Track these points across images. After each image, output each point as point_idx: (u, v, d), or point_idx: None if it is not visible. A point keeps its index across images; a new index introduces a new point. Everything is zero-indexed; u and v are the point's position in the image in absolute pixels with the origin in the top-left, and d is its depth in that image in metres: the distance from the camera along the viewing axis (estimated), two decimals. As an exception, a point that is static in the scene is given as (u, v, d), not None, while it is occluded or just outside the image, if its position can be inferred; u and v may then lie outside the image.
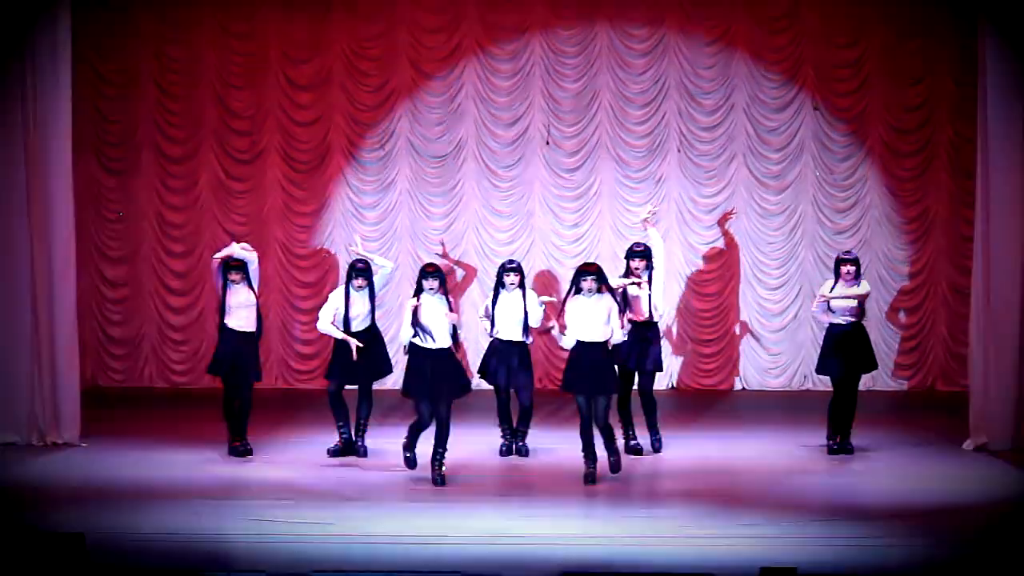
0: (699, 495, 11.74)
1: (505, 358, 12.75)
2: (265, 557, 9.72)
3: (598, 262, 12.78)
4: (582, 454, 11.92)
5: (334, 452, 12.76)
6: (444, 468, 11.82)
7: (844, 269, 12.75)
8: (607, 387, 11.84)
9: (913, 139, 16.25)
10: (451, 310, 11.82)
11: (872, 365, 13.04)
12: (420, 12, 16.37)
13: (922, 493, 11.60)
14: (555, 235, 16.49)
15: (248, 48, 16.42)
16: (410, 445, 11.88)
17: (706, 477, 12.27)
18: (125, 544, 9.92)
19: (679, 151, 16.36)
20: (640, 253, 12.85)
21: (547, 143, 16.40)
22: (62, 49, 13.14)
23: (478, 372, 13.22)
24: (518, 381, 12.78)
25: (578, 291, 11.80)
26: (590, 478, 11.85)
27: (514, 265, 12.80)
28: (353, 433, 12.86)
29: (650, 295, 12.81)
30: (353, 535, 10.34)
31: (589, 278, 11.77)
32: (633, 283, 12.74)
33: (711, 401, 15.68)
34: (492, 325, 12.74)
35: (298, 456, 12.86)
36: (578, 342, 11.78)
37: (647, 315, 12.85)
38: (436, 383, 11.77)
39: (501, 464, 12.74)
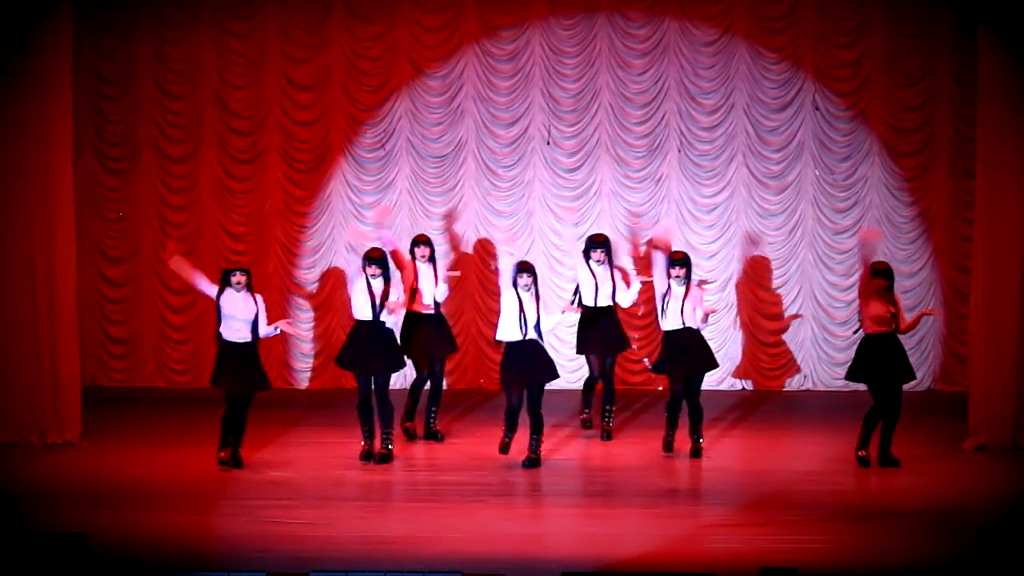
0: (699, 495, 11.75)
1: (522, 360, 12.35)
2: (265, 557, 9.72)
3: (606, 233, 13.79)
4: (583, 409, 13.68)
5: (366, 457, 12.55)
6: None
7: (880, 282, 12.33)
8: (617, 346, 13.37)
9: (913, 139, 16.26)
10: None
11: (911, 375, 12.55)
12: (420, 12, 16.38)
13: (923, 493, 11.61)
14: (555, 235, 16.49)
15: (248, 48, 16.42)
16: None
17: (705, 477, 12.28)
18: (125, 544, 9.92)
19: (679, 151, 16.37)
20: (680, 261, 12.68)
21: (547, 143, 16.41)
22: (62, 49, 13.14)
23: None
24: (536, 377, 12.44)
25: (588, 260, 13.21)
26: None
27: (528, 267, 12.37)
28: (379, 441, 12.56)
29: (683, 301, 12.61)
30: (353, 535, 10.35)
31: (599, 250, 13.19)
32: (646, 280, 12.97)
33: (711, 401, 15.65)
34: (523, 328, 12.30)
35: (298, 456, 12.86)
36: (585, 307, 13.21)
37: (683, 322, 12.68)
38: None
39: (501, 464, 12.72)
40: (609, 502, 11.53)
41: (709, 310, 13.03)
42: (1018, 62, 12.92)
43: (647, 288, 13.73)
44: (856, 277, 16.20)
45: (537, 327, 12.27)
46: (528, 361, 12.27)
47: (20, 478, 12.06)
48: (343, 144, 16.46)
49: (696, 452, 12.75)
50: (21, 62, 13.06)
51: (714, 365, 12.99)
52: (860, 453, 12.43)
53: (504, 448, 12.58)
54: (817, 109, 16.22)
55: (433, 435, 13.43)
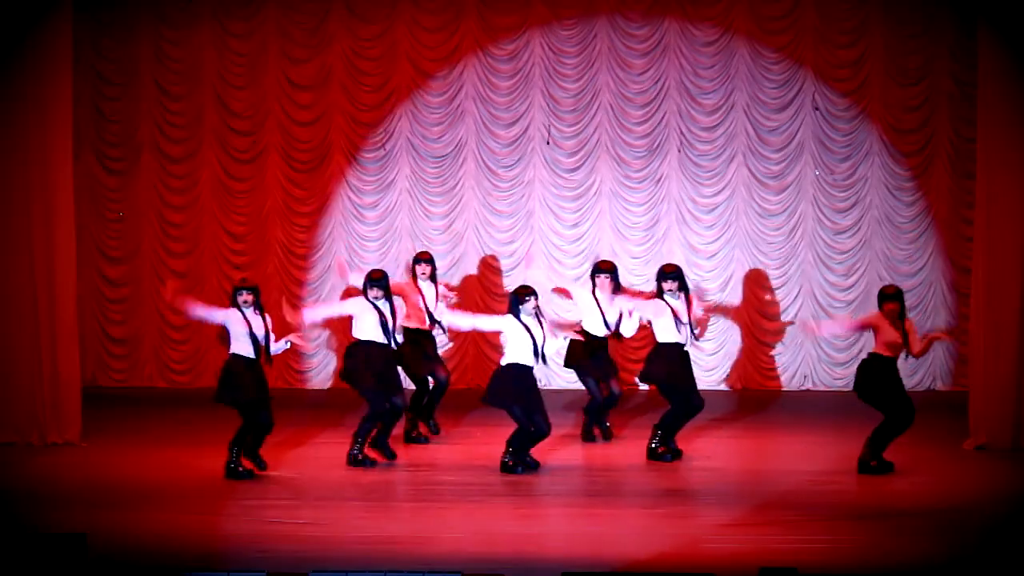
0: (699, 494, 11.75)
1: (520, 384, 11.90)
2: (265, 557, 9.72)
3: (615, 261, 13.37)
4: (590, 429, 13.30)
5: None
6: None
7: (890, 306, 11.88)
8: (612, 374, 13.09)
9: (913, 139, 16.27)
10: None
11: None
12: (420, 12, 16.39)
13: (922, 493, 11.60)
14: (555, 235, 16.50)
15: (248, 48, 16.43)
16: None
17: (705, 477, 12.27)
18: (125, 544, 9.92)
19: (679, 151, 16.37)
20: (672, 275, 12.32)
21: (547, 143, 16.41)
22: (62, 49, 13.14)
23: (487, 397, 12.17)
24: (536, 406, 12.01)
25: (593, 286, 12.90)
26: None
27: (529, 290, 11.87)
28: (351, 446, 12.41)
29: (676, 316, 12.28)
30: (353, 535, 10.34)
31: (604, 275, 12.86)
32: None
33: (710, 402, 15.64)
34: (536, 353, 11.83)
35: (298, 456, 12.86)
36: (584, 333, 12.85)
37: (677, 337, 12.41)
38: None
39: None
40: (609, 502, 11.52)
41: (705, 315, 12.86)
42: (1018, 62, 12.92)
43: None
44: (856, 278, 16.24)
45: (543, 352, 11.82)
46: (535, 392, 11.93)
47: (20, 478, 12.06)
48: (343, 144, 16.47)
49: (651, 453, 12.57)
50: (21, 62, 13.06)
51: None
52: (873, 463, 12.08)
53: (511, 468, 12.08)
54: (817, 109, 16.23)
55: (431, 427, 13.48)
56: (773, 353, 16.39)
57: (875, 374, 11.99)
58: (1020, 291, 13.10)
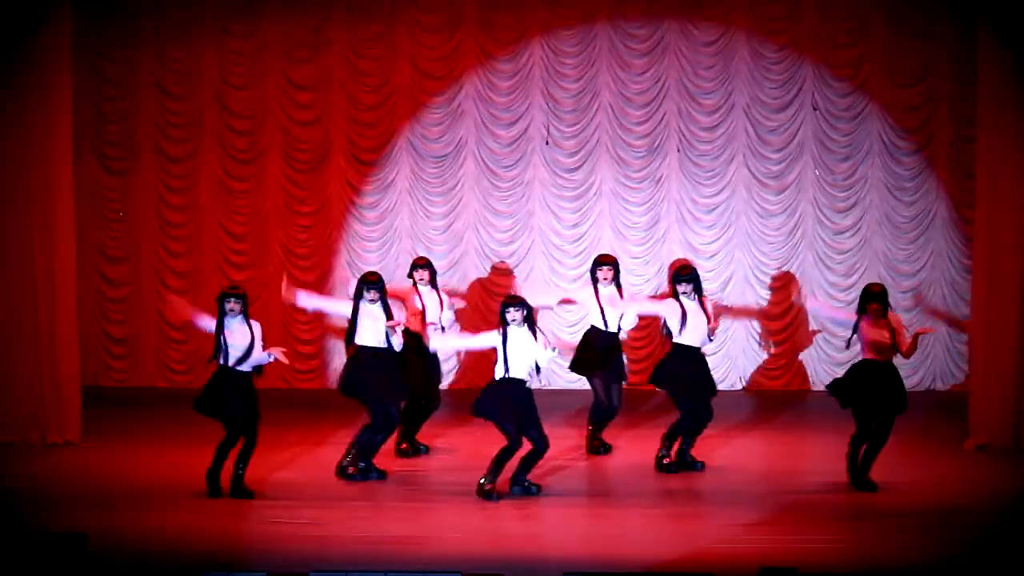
0: (700, 494, 11.75)
1: (511, 400, 11.37)
2: (265, 557, 9.73)
3: (613, 255, 13.18)
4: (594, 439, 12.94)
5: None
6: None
7: (872, 306, 11.51)
8: (619, 375, 12.86)
9: (913, 139, 16.27)
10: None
11: (903, 405, 11.68)
12: (420, 12, 16.38)
13: (922, 493, 11.61)
14: (555, 235, 16.49)
15: (248, 48, 16.43)
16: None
17: (707, 476, 12.27)
18: (125, 544, 9.93)
19: (679, 151, 16.37)
20: (687, 277, 12.05)
21: (547, 143, 16.41)
22: (62, 49, 13.15)
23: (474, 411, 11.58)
24: (530, 422, 11.52)
25: (595, 280, 12.66)
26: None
27: (517, 300, 11.37)
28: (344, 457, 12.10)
29: (684, 317, 12.05)
30: (353, 535, 10.34)
31: (606, 267, 12.62)
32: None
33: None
34: (505, 366, 11.26)
35: (298, 456, 12.86)
36: (594, 329, 12.73)
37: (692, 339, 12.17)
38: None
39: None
40: (609, 502, 11.53)
41: (713, 324, 12.46)
42: (1018, 62, 12.93)
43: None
44: (856, 278, 16.24)
45: (535, 365, 11.26)
46: (529, 407, 11.33)
47: (20, 478, 12.06)
48: (343, 144, 16.46)
49: (659, 464, 12.24)
50: (21, 62, 13.07)
51: (713, 392, 12.32)
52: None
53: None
54: (816, 109, 16.22)
55: (417, 448, 13.17)
56: (806, 350, 16.36)
57: (853, 376, 11.71)
58: (1020, 291, 13.11)
